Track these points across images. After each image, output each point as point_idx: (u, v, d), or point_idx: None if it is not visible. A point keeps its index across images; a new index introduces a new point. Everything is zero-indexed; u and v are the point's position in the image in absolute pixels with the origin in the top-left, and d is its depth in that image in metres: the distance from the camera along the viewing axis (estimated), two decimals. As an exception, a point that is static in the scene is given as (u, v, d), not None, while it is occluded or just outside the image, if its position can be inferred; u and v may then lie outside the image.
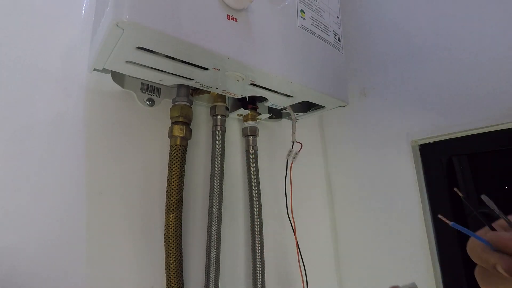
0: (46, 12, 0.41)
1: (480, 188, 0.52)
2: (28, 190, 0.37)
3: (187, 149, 0.45)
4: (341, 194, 0.73)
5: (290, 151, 0.52)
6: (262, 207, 0.54)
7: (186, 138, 0.45)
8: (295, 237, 0.51)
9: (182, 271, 0.43)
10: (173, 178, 0.43)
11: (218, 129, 0.51)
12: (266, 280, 0.51)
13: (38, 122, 0.39)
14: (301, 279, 0.52)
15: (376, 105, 0.66)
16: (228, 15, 0.36)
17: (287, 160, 0.52)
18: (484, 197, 0.22)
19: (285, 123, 0.66)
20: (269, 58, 0.40)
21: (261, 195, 0.54)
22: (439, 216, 0.22)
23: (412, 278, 0.30)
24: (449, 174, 0.54)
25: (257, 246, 0.51)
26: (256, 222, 0.52)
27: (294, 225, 0.52)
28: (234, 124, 0.59)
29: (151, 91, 0.47)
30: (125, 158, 0.44)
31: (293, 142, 0.52)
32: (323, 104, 0.52)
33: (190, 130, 0.47)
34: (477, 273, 0.21)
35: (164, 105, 0.49)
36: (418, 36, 0.60)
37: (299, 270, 0.52)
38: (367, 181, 0.66)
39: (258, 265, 0.50)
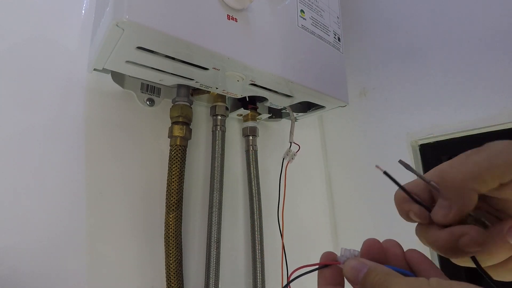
0: (46, 12, 0.41)
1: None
2: (28, 190, 0.37)
3: (187, 149, 0.45)
4: (341, 194, 0.72)
5: (288, 151, 0.52)
6: (262, 207, 0.54)
7: (186, 138, 0.45)
8: (282, 240, 0.51)
9: (182, 271, 0.43)
10: (173, 178, 0.43)
11: (218, 129, 0.51)
12: (266, 280, 0.51)
13: (38, 122, 0.39)
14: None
15: (376, 105, 0.66)
16: (228, 15, 0.36)
17: (283, 159, 0.52)
18: (401, 161, 0.23)
19: (285, 123, 0.66)
20: (269, 58, 0.40)
21: (261, 195, 0.54)
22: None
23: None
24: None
25: (257, 246, 0.51)
26: (256, 222, 0.52)
27: (283, 226, 0.51)
28: (234, 124, 0.59)
29: (151, 91, 0.47)
30: (125, 158, 0.44)
31: (290, 142, 0.52)
32: (323, 104, 0.52)
33: (190, 130, 0.47)
34: (416, 229, 0.24)
35: (164, 105, 0.49)
36: (418, 36, 0.60)
37: (281, 273, 0.51)
38: (367, 181, 0.66)
39: (258, 265, 0.50)
